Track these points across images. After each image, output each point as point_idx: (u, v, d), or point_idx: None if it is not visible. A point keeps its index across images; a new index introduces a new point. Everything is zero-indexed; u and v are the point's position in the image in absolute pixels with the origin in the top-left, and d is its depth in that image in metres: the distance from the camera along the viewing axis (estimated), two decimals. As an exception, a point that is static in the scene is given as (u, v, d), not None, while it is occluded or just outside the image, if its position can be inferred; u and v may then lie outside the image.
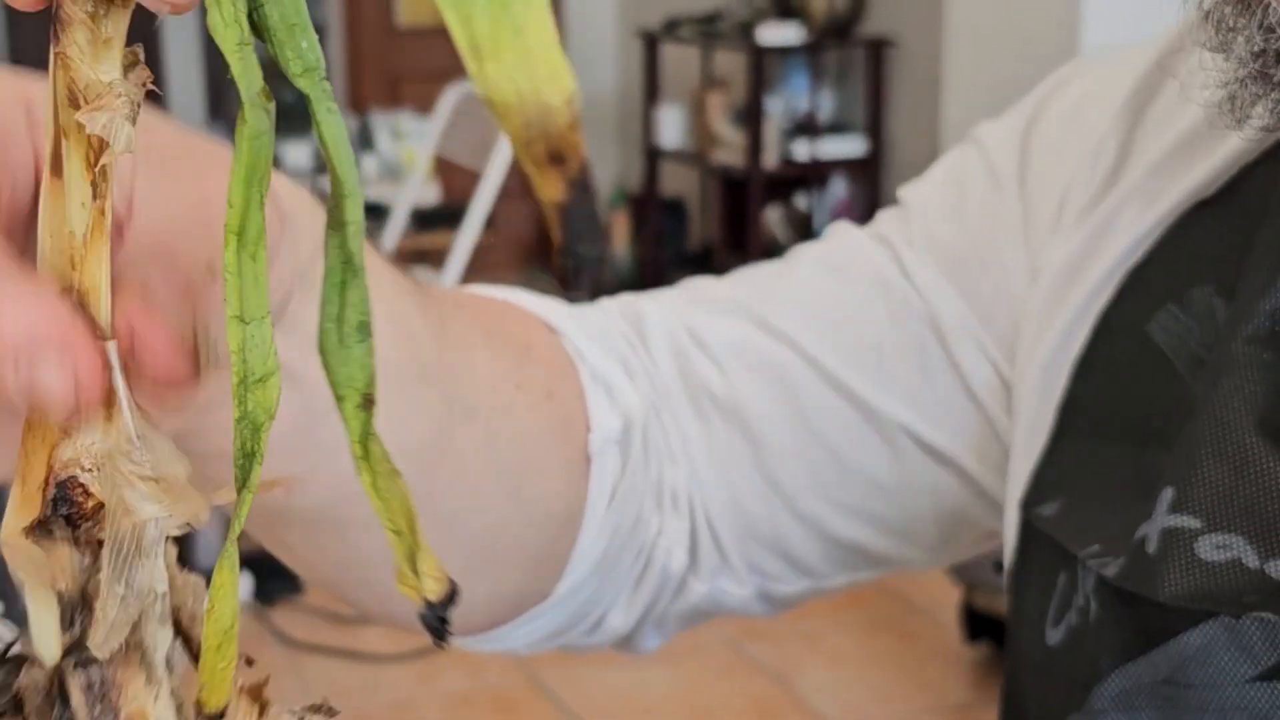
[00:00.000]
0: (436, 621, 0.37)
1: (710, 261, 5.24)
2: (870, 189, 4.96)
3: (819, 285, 0.70)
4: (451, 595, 0.37)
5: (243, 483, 0.37)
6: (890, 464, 0.69)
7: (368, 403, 0.37)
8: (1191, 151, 0.62)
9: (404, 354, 0.53)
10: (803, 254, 0.73)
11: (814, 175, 4.98)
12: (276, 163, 0.39)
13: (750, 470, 0.69)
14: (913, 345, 0.68)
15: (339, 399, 0.37)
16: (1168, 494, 0.55)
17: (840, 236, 0.73)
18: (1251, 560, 0.53)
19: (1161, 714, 0.54)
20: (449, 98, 4.20)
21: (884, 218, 0.73)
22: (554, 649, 0.70)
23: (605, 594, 0.67)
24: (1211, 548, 0.54)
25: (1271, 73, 0.52)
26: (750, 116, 4.83)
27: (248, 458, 0.37)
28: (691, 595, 0.70)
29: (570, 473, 0.63)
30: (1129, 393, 0.60)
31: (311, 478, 0.50)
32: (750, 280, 0.72)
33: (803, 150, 4.90)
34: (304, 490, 0.50)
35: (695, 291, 0.73)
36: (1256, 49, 0.52)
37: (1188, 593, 0.53)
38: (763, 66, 4.81)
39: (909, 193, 0.73)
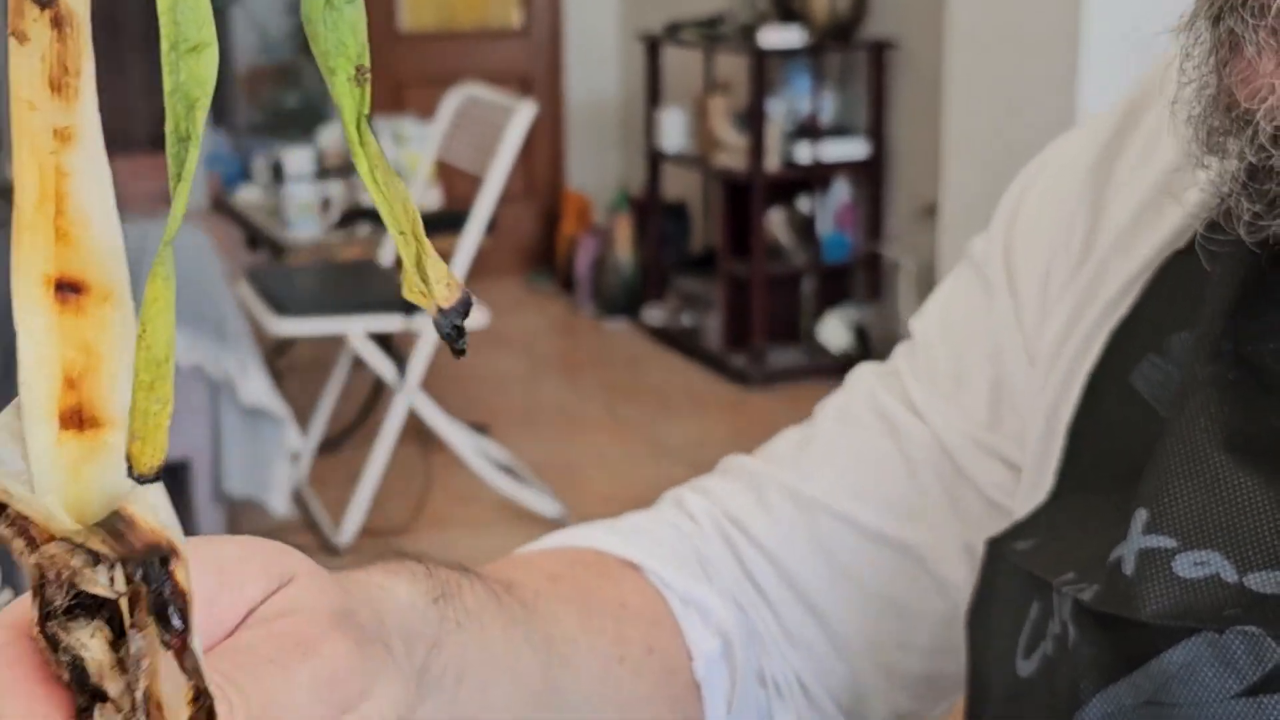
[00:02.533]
0: (450, 329, 0.35)
1: (712, 264, 5.24)
2: (873, 191, 4.96)
3: (839, 444, 0.74)
4: (465, 303, 0.35)
5: (178, 174, 0.33)
6: (939, 594, 0.72)
7: (361, 76, 0.34)
8: (1160, 205, 0.63)
9: (520, 699, 0.58)
10: (824, 412, 0.77)
11: (816, 178, 4.98)
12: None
13: (824, 644, 0.73)
14: (931, 477, 0.72)
15: (329, 72, 0.33)
16: (1141, 515, 0.56)
17: (854, 385, 0.77)
18: (1230, 575, 0.53)
19: None
20: (450, 102, 4.21)
21: (897, 352, 0.77)
22: None
23: None
24: (1189, 565, 0.54)
25: (1265, 187, 0.52)
26: (752, 119, 4.83)
27: (182, 142, 0.33)
28: None
29: (680, 707, 0.69)
30: (1117, 445, 0.61)
31: None
32: (778, 452, 0.77)
33: (805, 153, 4.90)
34: None
35: (729, 472, 0.77)
36: (1251, 164, 0.52)
37: (1168, 610, 0.53)
38: (764, 69, 4.81)
39: (915, 323, 0.77)
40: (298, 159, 4.79)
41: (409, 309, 3.76)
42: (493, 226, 4.08)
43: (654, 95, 5.49)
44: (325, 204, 4.49)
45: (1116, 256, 0.65)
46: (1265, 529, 0.53)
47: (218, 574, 0.42)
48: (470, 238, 3.82)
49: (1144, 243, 0.64)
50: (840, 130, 5.02)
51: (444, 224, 4.33)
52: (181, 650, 0.33)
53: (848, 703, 0.75)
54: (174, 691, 0.33)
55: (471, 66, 5.91)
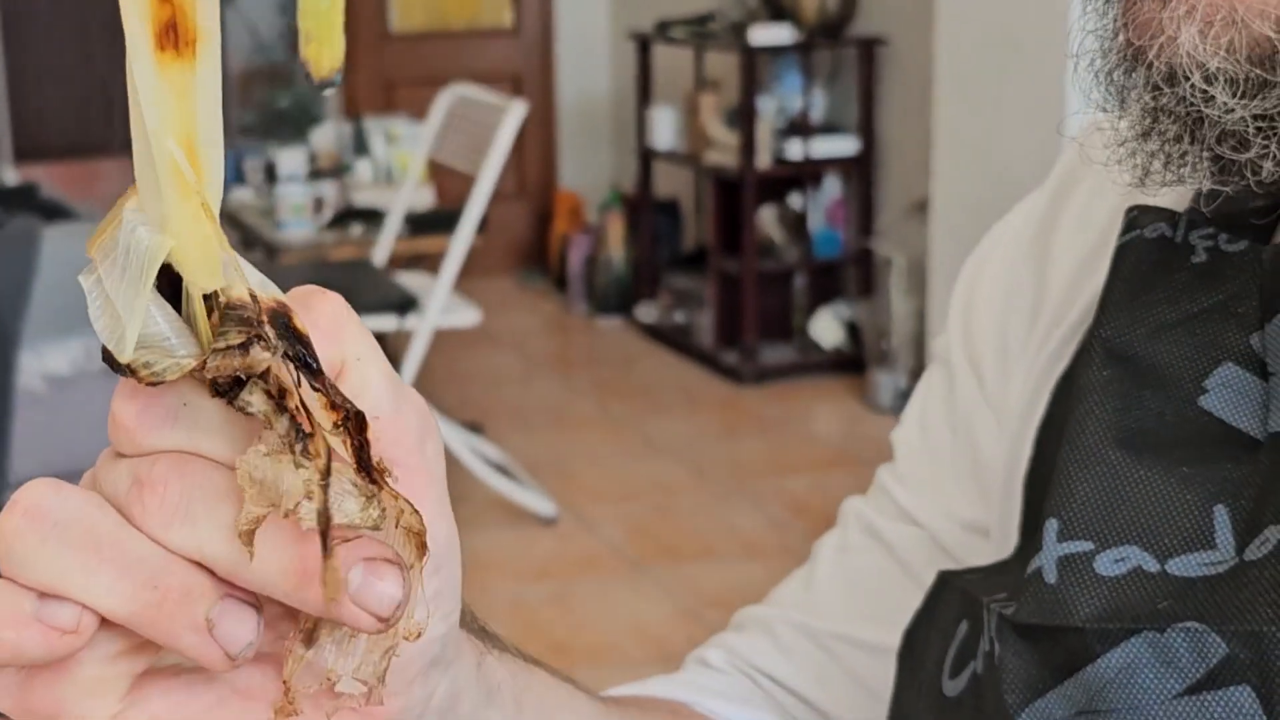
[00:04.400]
0: (316, 90, 0.38)
1: (704, 262, 5.25)
2: (863, 187, 4.98)
3: (838, 574, 0.76)
4: (335, 78, 0.37)
5: None
6: None
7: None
8: (1098, 259, 0.65)
9: None
10: (821, 548, 0.78)
11: (807, 175, 4.99)
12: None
13: None
14: (932, 574, 0.71)
15: None
16: (1053, 525, 0.55)
17: (845, 516, 0.78)
18: (1151, 565, 0.53)
19: None
20: (442, 102, 4.22)
21: (880, 471, 0.78)
22: None
23: None
24: (1109, 563, 0.54)
25: (1164, 128, 0.53)
26: (743, 117, 4.84)
27: None
28: None
29: None
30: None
31: None
32: (785, 595, 0.78)
33: (795, 150, 4.91)
34: None
35: (743, 626, 0.79)
36: (1148, 106, 0.53)
37: (1101, 612, 0.52)
38: (755, 67, 4.82)
39: (895, 435, 0.78)
40: (290, 160, 4.79)
41: (402, 309, 3.77)
42: (484, 225, 4.09)
43: (645, 94, 5.51)
44: (318, 204, 4.49)
45: (1060, 310, 0.66)
46: (1173, 515, 0.54)
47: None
48: (462, 237, 3.83)
49: (1084, 293, 0.65)
50: (831, 127, 5.03)
51: (436, 223, 4.34)
52: (326, 384, 0.39)
53: None
54: (323, 420, 0.38)
55: (463, 66, 5.93)
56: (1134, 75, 0.53)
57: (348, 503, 0.38)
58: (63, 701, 0.41)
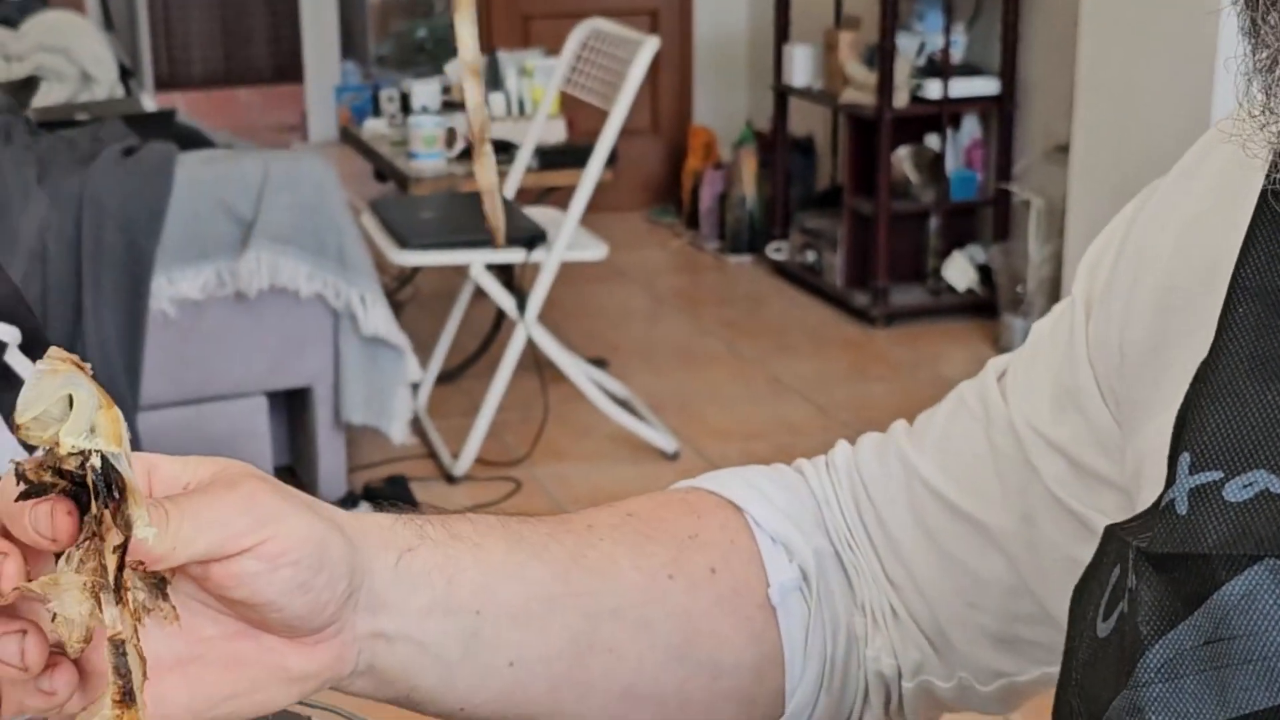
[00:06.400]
0: None
1: (837, 201, 5.18)
2: (1002, 129, 4.88)
3: (948, 425, 0.82)
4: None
5: None
6: (1006, 569, 0.79)
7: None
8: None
9: (524, 595, 0.71)
10: (956, 391, 0.84)
11: (945, 115, 4.90)
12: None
13: (910, 587, 0.82)
14: (1008, 461, 0.78)
15: None
16: (1185, 459, 0.57)
17: (986, 372, 0.83)
18: (1277, 487, 0.54)
19: (1204, 678, 0.54)
20: (576, 35, 4.19)
21: (1021, 351, 0.83)
22: None
23: (845, 704, 0.83)
24: (1238, 489, 0.55)
25: None
26: (882, 55, 4.76)
27: None
28: (908, 694, 0.84)
29: (751, 625, 0.79)
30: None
31: (474, 700, 0.71)
32: (917, 422, 0.85)
33: (934, 89, 4.83)
34: (474, 709, 0.72)
35: (891, 430, 0.86)
36: None
37: (1227, 537, 0.54)
38: (895, 4, 4.73)
39: (1036, 325, 0.82)
40: (424, 91, 4.80)
41: (530, 243, 3.76)
42: (615, 160, 4.07)
43: (783, 30, 5.44)
44: (450, 136, 4.50)
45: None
46: None
47: (182, 463, 0.62)
48: (592, 171, 3.81)
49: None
50: (971, 67, 4.93)
51: (567, 157, 4.33)
52: (120, 503, 0.55)
53: (930, 630, 0.82)
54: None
55: (599, 1, 5.89)
56: None
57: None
58: None
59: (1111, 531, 0.62)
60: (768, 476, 0.86)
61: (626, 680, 0.75)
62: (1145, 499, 0.66)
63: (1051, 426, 0.76)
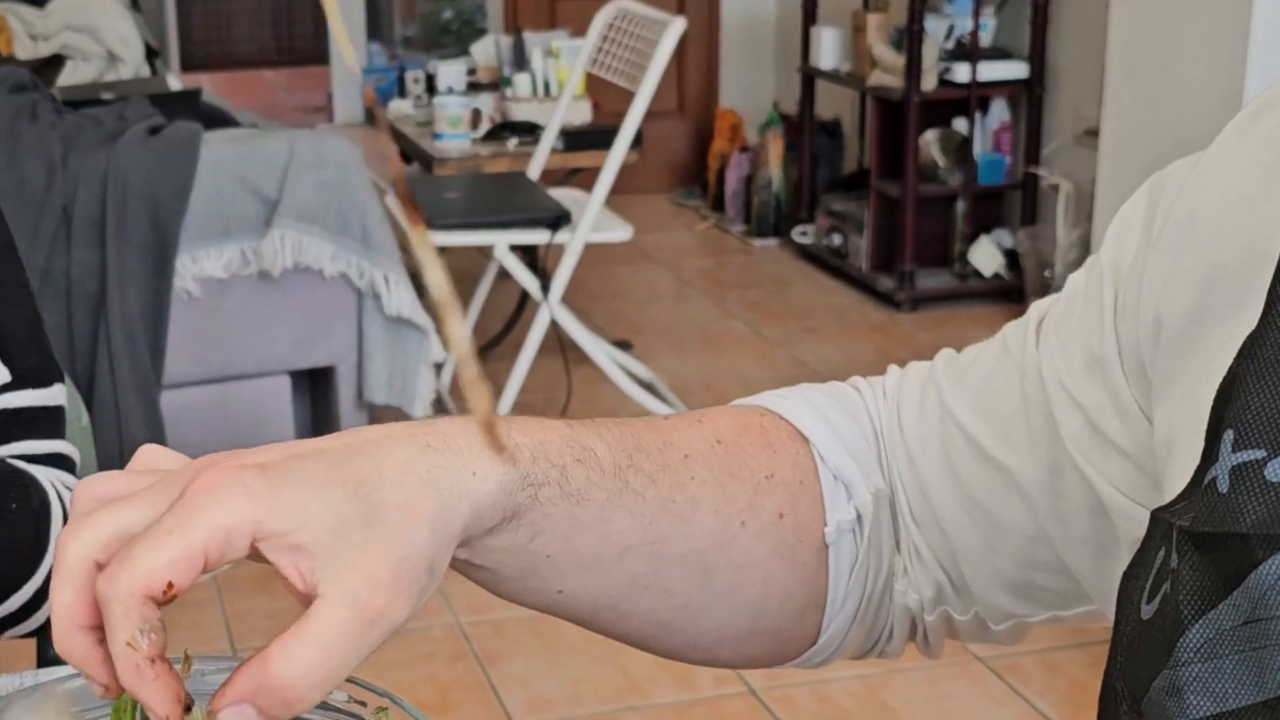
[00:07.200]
0: None
1: (864, 185, 5.16)
2: (1031, 113, 4.84)
3: (988, 368, 0.82)
4: None
5: None
6: (1027, 515, 0.79)
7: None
8: None
9: (601, 547, 0.72)
10: (1002, 331, 0.83)
11: (973, 98, 4.87)
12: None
13: (933, 524, 0.82)
14: (1037, 411, 0.78)
15: None
16: (1229, 436, 0.57)
17: (1030, 316, 0.82)
18: None
19: (1242, 659, 0.54)
20: (603, 16, 4.18)
21: (1058, 298, 0.82)
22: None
23: (874, 636, 0.85)
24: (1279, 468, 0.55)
25: None
26: (910, 38, 4.73)
27: None
28: (930, 625, 0.85)
29: (804, 570, 0.80)
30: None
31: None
32: (958, 359, 0.85)
33: (962, 73, 4.79)
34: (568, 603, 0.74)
35: (935, 361, 0.86)
36: None
37: (1267, 517, 0.54)
38: (923, -14, 4.70)
39: (1071, 277, 0.82)
40: (450, 72, 4.79)
41: (554, 224, 3.75)
42: (640, 142, 4.05)
43: (810, 12, 5.41)
44: (475, 117, 4.48)
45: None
46: None
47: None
48: (617, 152, 3.80)
49: None
50: (999, 50, 4.90)
51: (592, 139, 4.31)
52: None
53: (949, 569, 0.83)
54: None
55: (625, -20, 5.86)
56: None
57: None
58: None
59: (1157, 515, 0.62)
60: (833, 402, 0.86)
61: (668, 616, 0.77)
62: (1177, 470, 0.66)
63: (1079, 386, 0.75)
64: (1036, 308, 0.82)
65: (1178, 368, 0.68)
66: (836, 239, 5.24)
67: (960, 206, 4.97)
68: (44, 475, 1.17)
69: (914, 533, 0.83)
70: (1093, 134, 4.14)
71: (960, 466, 0.81)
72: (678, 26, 3.78)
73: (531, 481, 0.67)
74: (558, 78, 4.70)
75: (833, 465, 0.81)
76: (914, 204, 4.84)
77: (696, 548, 0.75)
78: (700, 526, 0.75)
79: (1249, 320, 0.60)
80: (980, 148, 4.94)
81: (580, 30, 4.64)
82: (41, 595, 1.15)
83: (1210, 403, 0.62)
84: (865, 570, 0.82)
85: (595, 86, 4.52)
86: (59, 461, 1.21)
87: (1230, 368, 0.60)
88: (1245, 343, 0.58)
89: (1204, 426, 0.61)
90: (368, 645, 0.58)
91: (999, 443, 0.79)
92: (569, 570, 0.71)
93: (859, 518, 0.82)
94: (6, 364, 1.19)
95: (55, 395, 1.23)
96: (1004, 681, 2.77)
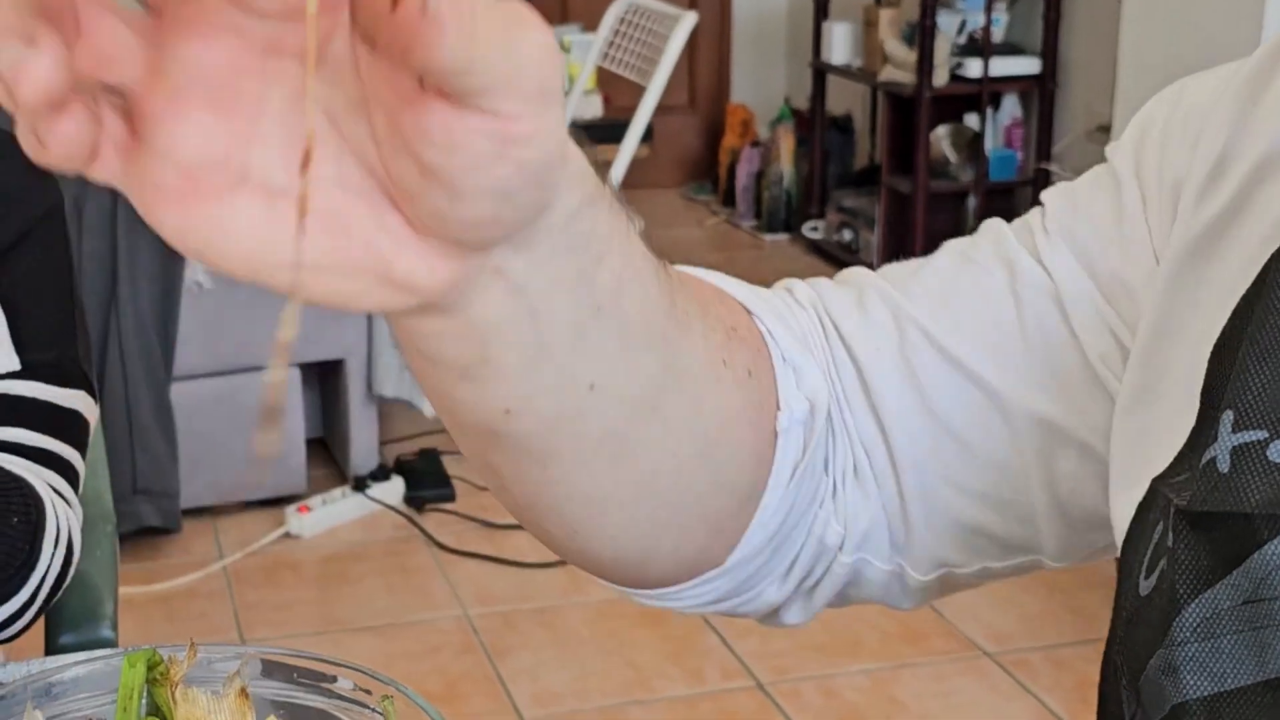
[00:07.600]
0: None
1: (875, 180, 5.15)
2: (1043, 109, 4.84)
3: (950, 275, 0.75)
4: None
5: None
6: (1010, 444, 0.72)
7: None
8: None
9: (639, 315, 0.59)
10: (946, 247, 0.78)
11: (985, 94, 4.86)
12: None
13: (882, 453, 0.73)
14: (1036, 323, 0.71)
15: None
16: (1228, 416, 0.56)
17: (984, 230, 0.77)
18: None
19: (1242, 638, 0.53)
20: (614, 10, 4.18)
21: (1032, 214, 0.77)
22: (712, 614, 0.76)
23: (773, 566, 0.73)
24: None
25: None
26: (922, 33, 4.73)
27: None
28: (838, 569, 0.75)
29: (759, 448, 0.69)
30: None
31: (529, 407, 0.57)
32: (892, 271, 0.78)
33: (974, 68, 4.79)
34: (520, 417, 0.57)
35: (842, 278, 0.79)
36: None
37: (1272, 497, 0.53)
38: (936, -19, 4.70)
39: (1048, 195, 0.77)
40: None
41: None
42: (651, 136, 4.05)
43: (822, 7, 5.40)
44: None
45: (1274, 180, 0.64)
46: None
47: None
48: (628, 146, 3.80)
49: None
50: (1012, 46, 4.89)
51: (603, 133, 4.31)
52: None
53: (890, 502, 0.74)
54: None
55: (637, -26, 5.86)
56: None
57: None
58: None
59: (1155, 486, 0.61)
60: (770, 292, 0.76)
61: (653, 465, 0.64)
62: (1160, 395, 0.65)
63: (1106, 304, 0.71)
64: (997, 226, 0.77)
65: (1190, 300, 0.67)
66: (847, 234, 5.24)
67: (971, 202, 4.96)
68: (39, 479, 1.16)
69: (858, 455, 0.73)
70: (1104, 130, 4.13)
71: (927, 381, 0.72)
72: (689, 21, 3.77)
73: (598, 200, 0.55)
74: (569, 72, 4.70)
75: (782, 345, 0.71)
76: (925, 200, 4.83)
77: (693, 363, 0.64)
78: (694, 343, 0.64)
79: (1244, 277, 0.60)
80: (992, 143, 4.93)
81: (591, 25, 4.64)
82: (27, 606, 1.14)
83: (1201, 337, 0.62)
84: (802, 480, 0.71)
85: (606, 81, 4.52)
86: (59, 463, 1.19)
87: (1223, 331, 0.60)
88: (1252, 325, 0.57)
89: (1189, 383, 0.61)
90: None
91: (985, 359, 0.72)
92: (610, 338, 0.58)
93: (811, 410, 0.70)
94: (19, 352, 1.19)
95: (71, 398, 1.21)
96: (1012, 677, 2.77)
